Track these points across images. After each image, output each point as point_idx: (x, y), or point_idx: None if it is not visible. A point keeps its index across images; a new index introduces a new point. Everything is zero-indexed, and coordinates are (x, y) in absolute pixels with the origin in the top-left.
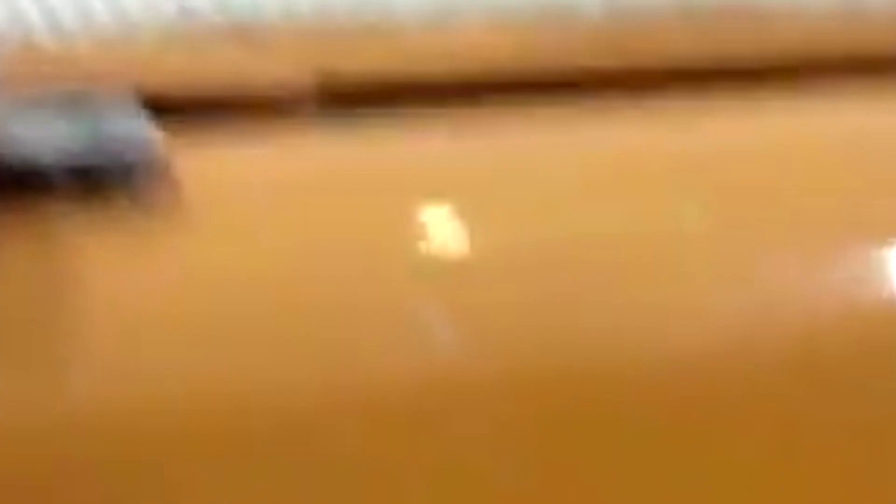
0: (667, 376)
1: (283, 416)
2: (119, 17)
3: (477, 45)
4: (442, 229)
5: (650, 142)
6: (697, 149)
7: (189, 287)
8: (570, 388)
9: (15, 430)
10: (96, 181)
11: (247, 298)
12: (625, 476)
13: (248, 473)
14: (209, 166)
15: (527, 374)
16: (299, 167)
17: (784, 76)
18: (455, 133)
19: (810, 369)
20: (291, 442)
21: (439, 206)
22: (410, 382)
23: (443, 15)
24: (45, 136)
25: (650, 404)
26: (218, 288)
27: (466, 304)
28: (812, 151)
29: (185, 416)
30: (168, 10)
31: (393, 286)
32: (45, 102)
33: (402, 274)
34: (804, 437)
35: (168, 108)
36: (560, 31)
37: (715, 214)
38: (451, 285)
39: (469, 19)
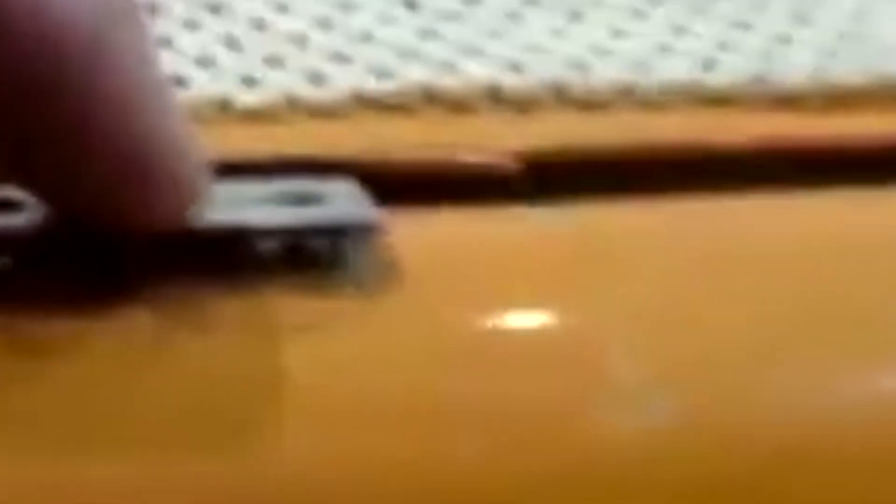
0: None
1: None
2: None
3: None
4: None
5: None
6: None
7: (404, 363)
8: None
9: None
10: (312, 258)
11: (464, 376)
12: None
13: None
14: (423, 242)
15: None
16: (512, 243)
17: None
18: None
19: None
20: None
21: (634, 276)
22: None
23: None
24: (260, 209)
25: None
26: (437, 364)
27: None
28: None
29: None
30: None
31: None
32: (262, 174)
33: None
34: None
35: (378, 180)
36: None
37: None
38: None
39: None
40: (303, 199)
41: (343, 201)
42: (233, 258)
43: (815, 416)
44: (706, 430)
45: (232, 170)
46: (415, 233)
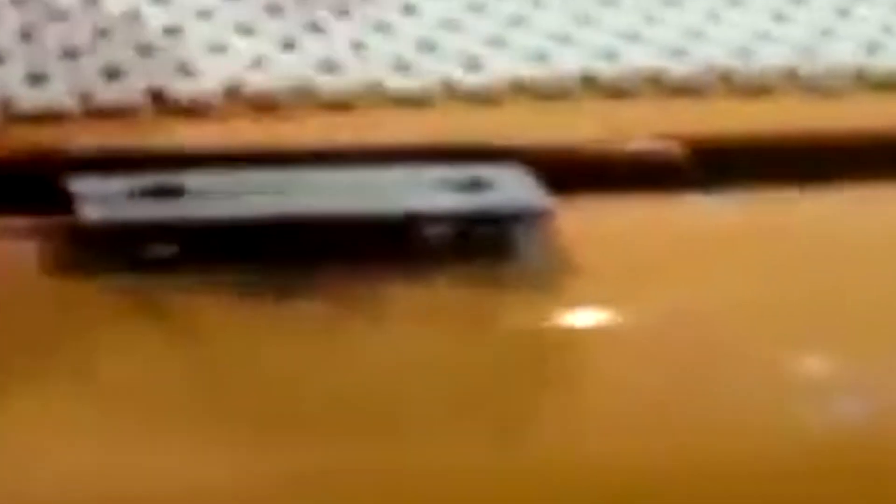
0: None
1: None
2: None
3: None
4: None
5: None
6: None
7: (574, 349)
8: None
9: None
10: (482, 245)
11: (625, 361)
12: None
13: None
14: (591, 228)
15: None
16: (677, 229)
17: None
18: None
19: None
20: None
21: (807, 269)
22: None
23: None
24: (430, 195)
25: None
26: (599, 351)
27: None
28: None
29: None
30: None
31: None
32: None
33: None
34: None
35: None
36: None
37: None
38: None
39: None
40: (473, 186)
41: (513, 187)
42: (403, 245)
43: None
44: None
45: (399, 156)
46: (585, 221)
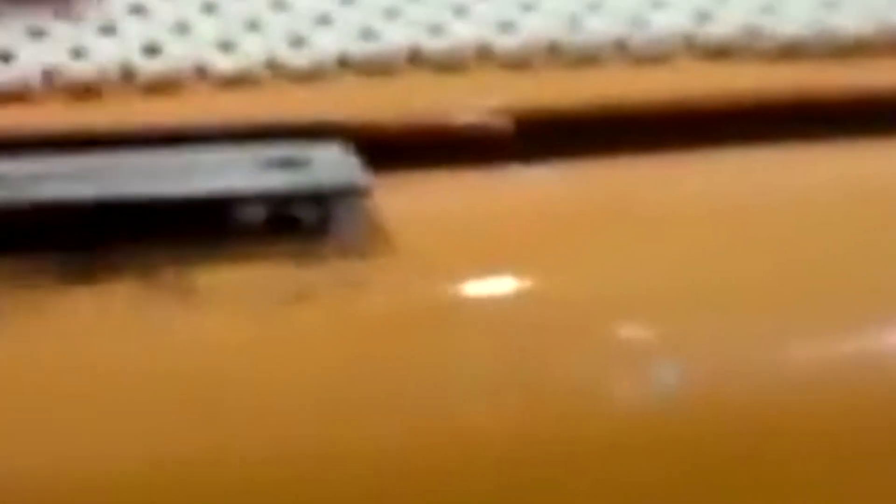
0: None
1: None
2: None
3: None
4: (648, 267)
5: None
6: None
7: (394, 328)
8: None
9: None
10: (298, 224)
11: (462, 344)
12: None
13: None
14: (412, 205)
15: None
16: (502, 205)
17: None
18: (657, 170)
19: None
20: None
21: (639, 242)
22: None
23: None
24: (245, 175)
25: None
26: (421, 329)
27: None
28: None
29: None
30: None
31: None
32: (249, 138)
33: (610, 309)
34: None
35: (368, 144)
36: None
37: None
38: (672, 321)
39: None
40: (289, 164)
41: (330, 166)
42: (218, 225)
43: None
44: (717, 397)
45: (214, 137)
46: (406, 197)
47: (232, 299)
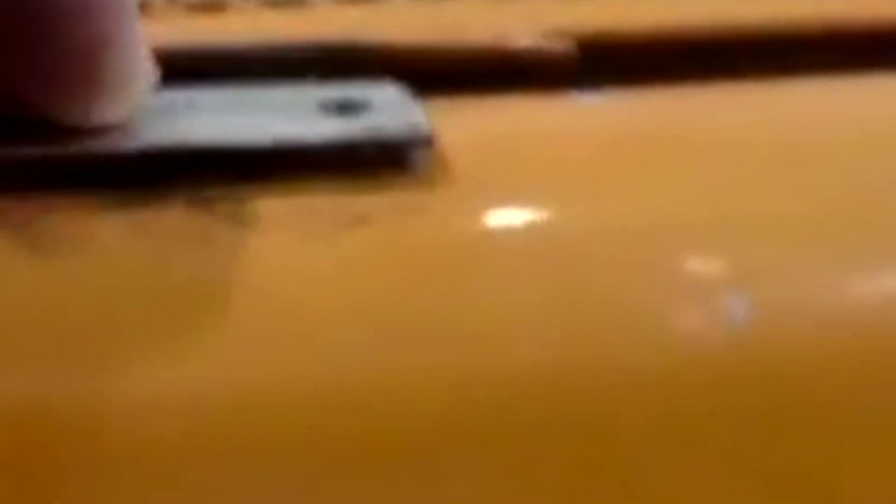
0: None
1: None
2: None
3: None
4: (711, 196)
5: None
6: None
7: (451, 256)
8: None
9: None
10: (360, 165)
11: (506, 269)
12: None
13: None
14: (469, 132)
15: None
16: (561, 132)
17: None
18: (721, 98)
19: None
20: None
21: (700, 171)
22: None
23: None
24: (301, 120)
25: None
26: (479, 257)
27: (747, 272)
28: None
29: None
30: None
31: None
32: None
33: (673, 239)
34: None
35: (424, 75)
36: None
37: None
38: (738, 254)
39: None
40: (347, 108)
41: (392, 111)
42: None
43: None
44: (781, 328)
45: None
46: (462, 123)
47: (287, 225)
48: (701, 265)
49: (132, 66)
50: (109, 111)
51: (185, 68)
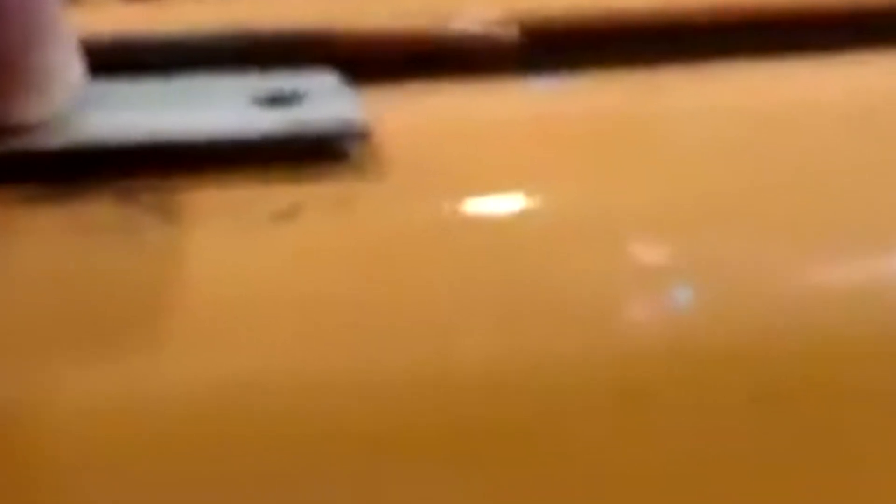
0: None
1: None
2: None
3: None
4: (657, 183)
5: None
6: None
7: (388, 247)
8: None
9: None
10: (291, 157)
11: (446, 260)
12: None
13: None
14: (409, 119)
15: None
16: (504, 119)
17: None
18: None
19: None
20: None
21: (649, 157)
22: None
23: None
24: (233, 113)
25: None
26: (417, 248)
27: (693, 259)
28: None
29: None
30: None
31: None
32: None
33: (622, 227)
34: None
35: (363, 62)
36: None
37: None
38: (683, 241)
39: None
40: (280, 100)
41: (327, 102)
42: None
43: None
44: (730, 318)
45: (188, 55)
46: (402, 111)
47: (217, 217)
48: (647, 252)
49: (57, 64)
50: (34, 109)
51: (116, 60)
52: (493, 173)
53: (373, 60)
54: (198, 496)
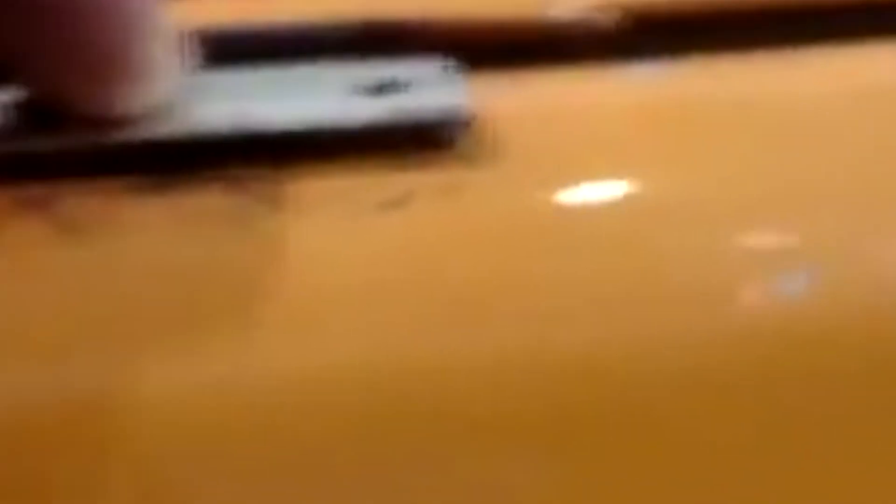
0: None
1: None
2: None
3: None
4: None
5: None
6: None
7: (495, 235)
8: None
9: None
10: (398, 146)
11: (554, 248)
12: None
13: None
14: (516, 111)
15: None
16: (608, 105)
17: None
18: (767, 68)
19: None
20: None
21: (756, 142)
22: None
23: None
24: (339, 102)
25: None
26: (533, 234)
27: (806, 245)
28: None
29: None
30: None
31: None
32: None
33: (732, 212)
34: None
35: (467, 50)
36: None
37: None
38: (795, 227)
39: None
40: (385, 89)
41: (433, 89)
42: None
43: None
44: (846, 305)
45: (292, 45)
46: (507, 99)
47: (325, 207)
48: (759, 237)
49: (159, 55)
50: (138, 100)
51: (220, 50)
52: (601, 159)
53: (476, 48)
54: (300, 487)
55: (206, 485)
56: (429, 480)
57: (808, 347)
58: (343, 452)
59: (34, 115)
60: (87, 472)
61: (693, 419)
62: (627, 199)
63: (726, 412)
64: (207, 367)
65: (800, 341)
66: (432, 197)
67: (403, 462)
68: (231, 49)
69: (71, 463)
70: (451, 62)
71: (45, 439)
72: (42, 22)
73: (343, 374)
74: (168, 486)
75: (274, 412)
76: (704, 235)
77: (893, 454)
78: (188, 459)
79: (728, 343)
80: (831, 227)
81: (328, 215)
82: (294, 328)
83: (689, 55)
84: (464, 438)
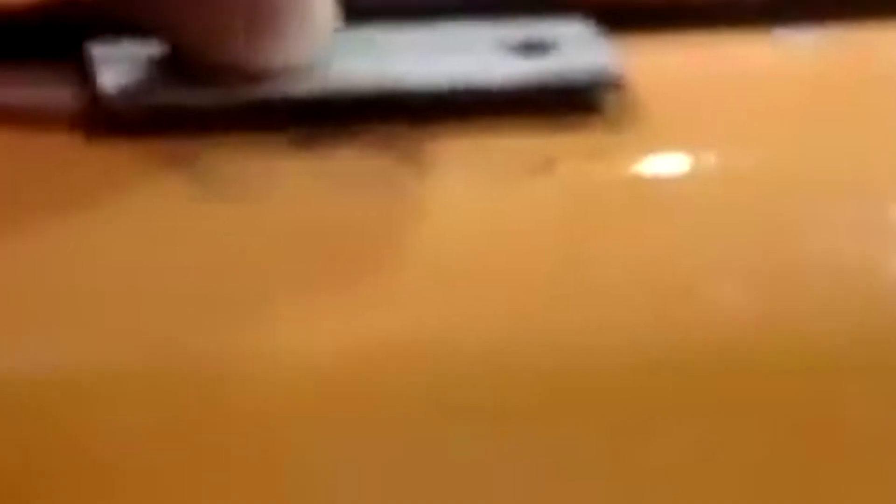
0: None
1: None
2: None
3: None
4: None
5: None
6: None
7: (651, 199)
8: None
9: None
10: (544, 107)
11: (696, 215)
12: None
13: None
14: (663, 75)
15: None
16: (758, 72)
17: None
18: None
19: None
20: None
21: None
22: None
23: None
24: (486, 59)
25: None
26: (680, 199)
27: None
28: None
29: None
30: None
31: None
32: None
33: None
34: None
35: (614, 11)
36: None
37: None
38: None
39: None
40: (532, 48)
41: (580, 50)
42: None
43: None
44: None
45: (441, 2)
46: (652, 64)
47: (468, 168)
48: None
49: (309, 10)
50: (288, 54)
51: (366, 9)
52: (748, 125)
53: (622, 10)
54: (433, 453)
55: (336, 449)
56: (568, 443)
57: None
58: (496, 419)
59: (176, 69)
60: (223, 425)
61: (845, 395)
62: (774, 166)
63: (877, 392)
64: (350, 328)
65: None
66: (579, 161)
67: (532, 431)
68: (378, 6)
69: (210, 416)
70: (598, 23)
71: (189, 394)
72: None
73: (488, 339)
74: (297, 448)
75: (418, 374)
76: (850, 204)
77: None
78: (327, 421)
79: (870, 316)
80: None
81: (474, 178)
82: (437, 291)
83: (839, 23)
84: (609, 412)
